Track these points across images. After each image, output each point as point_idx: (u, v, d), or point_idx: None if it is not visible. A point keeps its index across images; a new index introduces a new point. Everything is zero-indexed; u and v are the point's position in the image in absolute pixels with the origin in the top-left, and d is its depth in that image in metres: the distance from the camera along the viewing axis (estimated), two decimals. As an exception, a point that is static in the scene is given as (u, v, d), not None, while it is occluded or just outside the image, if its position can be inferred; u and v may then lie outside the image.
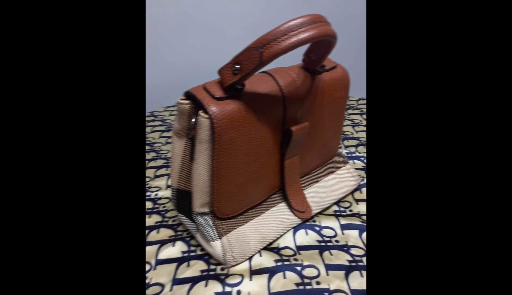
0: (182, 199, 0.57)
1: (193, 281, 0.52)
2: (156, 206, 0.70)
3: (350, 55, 1.50)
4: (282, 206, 0.63)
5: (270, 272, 0.54)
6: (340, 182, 0.71)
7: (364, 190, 0.74)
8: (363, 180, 0.77)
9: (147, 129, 1.08)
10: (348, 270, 0.54)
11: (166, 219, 0.66)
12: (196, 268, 0.55)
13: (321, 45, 0.52)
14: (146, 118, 1.16)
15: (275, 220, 0.60)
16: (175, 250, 0.59)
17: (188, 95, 0.50)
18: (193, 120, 0.49)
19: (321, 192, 0.67)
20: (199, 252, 0.58)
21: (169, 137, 1.02)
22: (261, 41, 0.44)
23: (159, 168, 0.85)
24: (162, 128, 1.08)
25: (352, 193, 0.73)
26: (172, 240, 0.61)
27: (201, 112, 0.48)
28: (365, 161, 0.85)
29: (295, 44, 0.44)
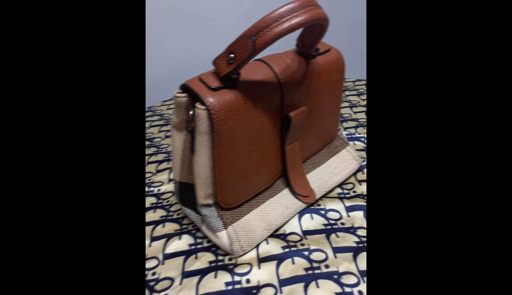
0: (186, 192, 0.57)
1: (202, 273, 0.53)
2: (160, 200, 0.70)
3: (343, 37, 1.49)
4: (286, 192, 0.63)
5: (278, 259, 0.54)
6: (342, 164, 0.71)
7: (366, 170, 0.74)
8: (364, 161, 0.77)
9: (146, 125, 1.07)
10: (356, 251, 0.54)
11: (170, 213, 0.66)
12: (204, 259, 0.55)
13: (314, 29, 0.52)
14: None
15: (279, 206, 0.60)
16: (182, 243, 0.59)
17: (185, 88, 0.50)
18: (191, 112, 0.49)
19: (324, 176, 0.67)
20: (205, 244, 0.58)
21: (168, 131, 1.01)
22: (253, 29, 0.44)
23: (160, 162, 0.85)
24: (161, 122, 1.08)
25: (354, 174, 0.73)
26: (178, 234, 0.61)
27: (198, 104, 0.48)
28: (366, 141, 0.85)
29: (287, 29, 0.43)
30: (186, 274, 0.53)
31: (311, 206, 0.65)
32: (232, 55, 0.46)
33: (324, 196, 0.67)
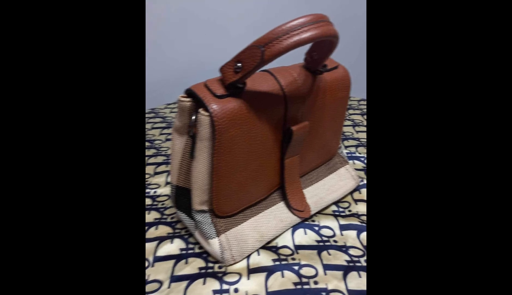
0: (181, 196, 0.57)
1: (191, 278, 0.52)
2: (155, 203, 0.70)
3: (352, 56, 1.50)
4: (281, 205, 0.63)
5: (268, 271, 0.54)
6: (340, 182, 0.71)
7: (363, 190, 0.74)
8: (362, 181, 0.77)
9: (148, 126, 1.08)
10: (346, 270, 0.54)
11: (164, 217, 0.66)
12: (194, 265, 0.55)
13: (323, 45, 0.52)
14: (147, 115, 1.16)
15: (274, 218, 0.60)
16: (174, 247, 0.59)
17: (189, 93, 0.50)
18: (194, 117, 0.49)
19: (321, 192, 0.67)
20: (197, 250, 0.58)
21: (170, 134, 1.02)
22: (263, 40, 0.44)
23: (159, 164, 0.85)
24: (163, 125, 1.08)
25: (351, 193, 0.73)
26: (170, 237, 0.61)
27: (201, 110, 0.48)
28: (365, 161, 0.85)
29: (297, 43, 0.44)
30: (175, 278, 0.53)
31: (305, 221, 0.65)
32: (239, 64, 0.47)
33: (319, 212, 0.67)
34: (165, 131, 1.04)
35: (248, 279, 0.52)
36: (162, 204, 0.70)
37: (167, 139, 0.98)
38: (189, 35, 1.45)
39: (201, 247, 0.58)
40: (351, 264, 0.55)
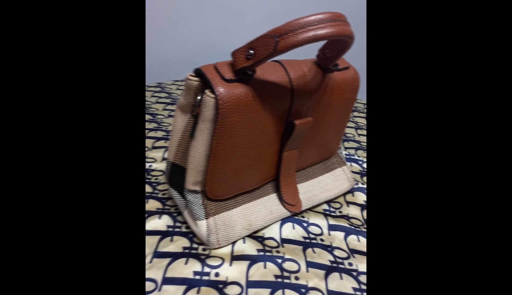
0: (176, 173, 0.57)
1: (174, 256, 0.53)
2: (149, 176, 0.70)
3: (364, 58, 1.49)
4: (273, 196, 0.63)
5: (251, 260, 0.54)
6: (335, 182, 0.71)
7: (357, 193, 0.74)
8: (357, 184, 0.77)
9: (152, 100, 1.08)
10: (328, 270, 0.54)
11: (156, 191, 0.66)
12: (178, 244, 0.55)
13: (338, 44, 0.52)
14: (153, 89, 1.16)
15: (264, 209, 0.60)
16: (161, 223, 0.59)
17: (198, 73, 0.50)
18: (199, 98, 0.49)
19: (314, 189, 0.67)
20: (184, 229, 0.58)
21: (173, 110, 1.01)
22: (278, 31, 0.44)
23: (158, 139, 0.85)
24: (167, 101, 1.08)
25: (344, 194, 0.74)
26: (159, 213, 0.61)
27: (208, 91, 0.48)
28: (363, 165, 0.85)
29: (311, 38, 0.43)
30: (158, 254, 0.53)
31: (295, 215, 0.65)
32: (251, 51, 0.46)
33: (310, 209, 0.67)
34: (169, 107, 1.04)
35: (231, 265, 0.53)
36: (156, 179, 0.70)
37: (170, 116, 0.98)
38: (205, 17, 1.44)
39: (188, 227, 0.59)
40: (334, 265, 0.55)
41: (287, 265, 0.54)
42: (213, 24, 1.46)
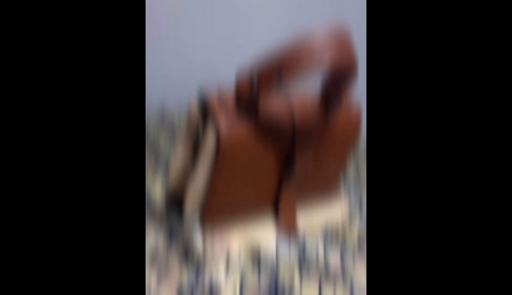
0: (175, 197, 0.58)
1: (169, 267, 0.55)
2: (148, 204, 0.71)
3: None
4: (271, 220, 0.64)
5: (244, 273, 0.56)
6: (332, 214, 0.71)
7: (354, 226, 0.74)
8: (353, 218, 0.77)
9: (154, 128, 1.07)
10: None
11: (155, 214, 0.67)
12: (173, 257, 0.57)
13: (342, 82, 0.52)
14: (154, 115, 1.16)
15: (261, 231, 0.62)
16: (157, 240, 0.61)
17: (202, 102, 0.50)
18: (201, 129, 0.49)
19: (311, 218, 0.68)
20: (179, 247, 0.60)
21: (175, 137, 1.01)
22: (284, 61, 0.43)
23: (158, 167, 0.85)
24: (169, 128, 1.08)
25: (341, 225, 0.73)
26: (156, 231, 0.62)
27: (210, 123, 0.48)
28: (362, 199, 0.85)
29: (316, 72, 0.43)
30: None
31: (291, 239, 0.66)
32: (255, 83, 0.46)
33: (306, 234, 0.68)
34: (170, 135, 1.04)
35: (225, 276, 0.55)
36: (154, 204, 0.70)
37: (171, 143, 0.98)
38: (211, 28, 1.43)
39: (184, 244, 0.60)
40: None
41: (281, 281, 0.56)
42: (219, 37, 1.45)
